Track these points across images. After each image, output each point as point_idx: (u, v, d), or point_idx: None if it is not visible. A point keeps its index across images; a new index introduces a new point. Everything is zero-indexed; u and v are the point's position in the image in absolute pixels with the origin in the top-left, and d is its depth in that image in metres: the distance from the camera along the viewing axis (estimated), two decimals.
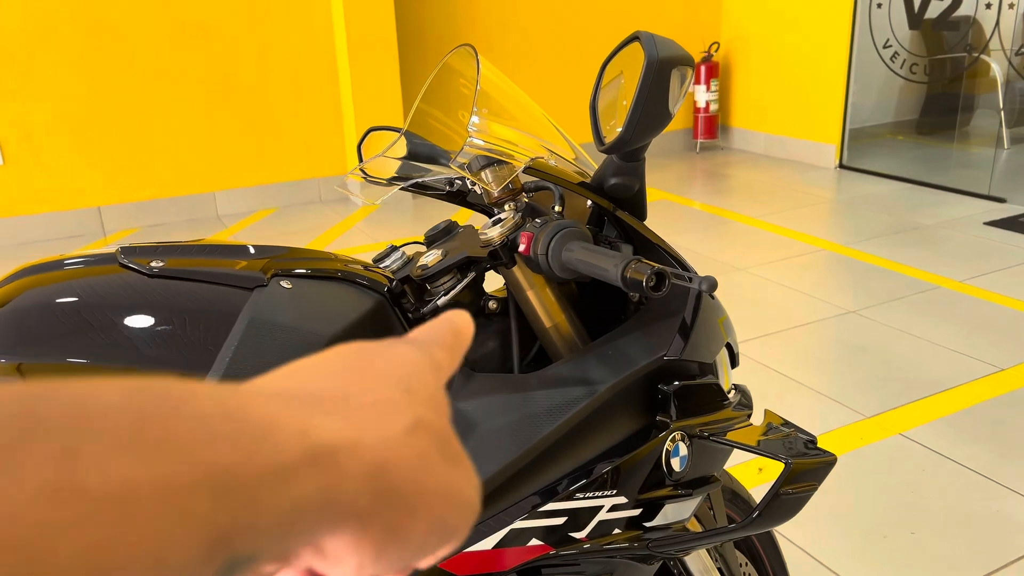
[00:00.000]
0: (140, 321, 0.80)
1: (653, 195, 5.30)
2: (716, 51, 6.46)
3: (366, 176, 1.14)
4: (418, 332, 0.37)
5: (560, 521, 0.90)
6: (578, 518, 0.91)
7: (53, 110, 4.61)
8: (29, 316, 0.80)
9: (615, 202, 1.02)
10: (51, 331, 0.79)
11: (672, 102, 0.88)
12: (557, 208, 1.02)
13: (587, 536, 0.92)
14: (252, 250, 0.91)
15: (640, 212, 1.04)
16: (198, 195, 5.09)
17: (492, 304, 1.04)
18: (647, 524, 0.96)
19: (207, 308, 0.82)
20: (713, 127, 6.51)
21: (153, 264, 0.84)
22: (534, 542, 0.89)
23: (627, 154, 0.98)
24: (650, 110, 0.87)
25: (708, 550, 1.20)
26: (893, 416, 2.66)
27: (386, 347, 0.34)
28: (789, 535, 2.10)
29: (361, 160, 1.14)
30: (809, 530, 2.12)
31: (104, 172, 4.81)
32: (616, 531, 0.94)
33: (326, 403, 0.28)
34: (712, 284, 0.85)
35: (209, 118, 4.98)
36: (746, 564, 1.42)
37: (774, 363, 3.03)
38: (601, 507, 0.92)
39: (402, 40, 5.33)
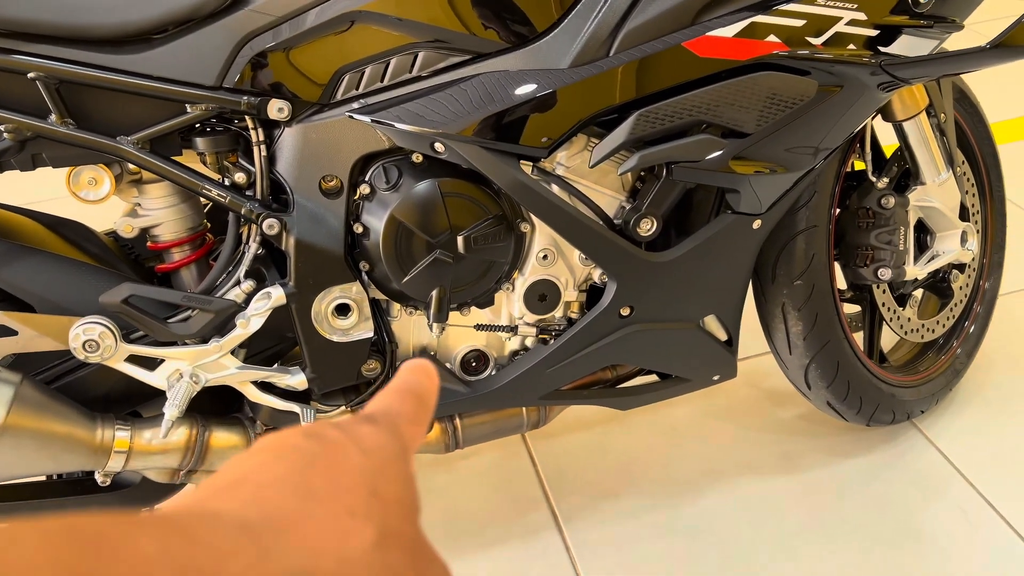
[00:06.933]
0: None
1: None
2: None
3: None
4: (378, 404, 0.34)
5: (799, 23, 0.96)
6: (816, 24, 0.97)
7: None
8: None
9: None
10: None
11: None
12: None
13: (822, 44, 0.98)
14: None
15: None
16: None
17: None
18: (882, 49, 1.01)
19: None
20: None
21: None
22: (772, 38, 0.95)
23: None
24: None
25: (931, 128, 1.26)
26: None
27: (346, 432, 0.31)
28: None
29: None
30: None
31: None
32: (851, 47, 0.99)
33: (276, 523, 0.26)
34: None
35: None
36: (963, 163, 1.46)
37: None
38: (840, 19, 0.97)
39: None
